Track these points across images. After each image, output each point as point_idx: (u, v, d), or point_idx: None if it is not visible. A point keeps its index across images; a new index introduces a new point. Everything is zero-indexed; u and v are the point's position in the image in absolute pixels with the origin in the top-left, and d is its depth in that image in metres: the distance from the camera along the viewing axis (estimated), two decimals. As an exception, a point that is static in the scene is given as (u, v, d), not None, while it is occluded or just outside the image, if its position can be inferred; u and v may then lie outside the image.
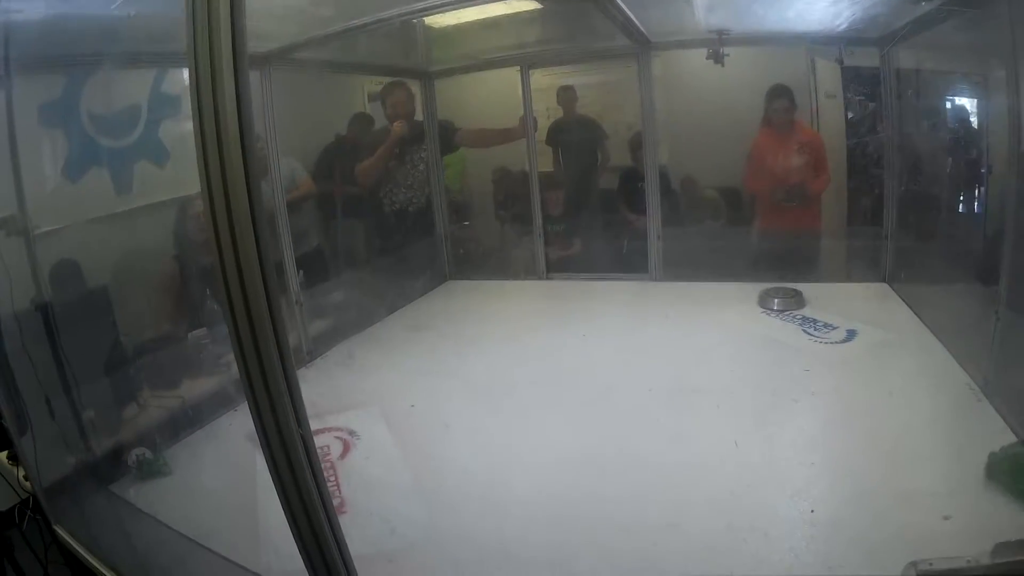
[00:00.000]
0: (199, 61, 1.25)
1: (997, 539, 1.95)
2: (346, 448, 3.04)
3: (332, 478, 2.78)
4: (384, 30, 4.45)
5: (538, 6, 4.16)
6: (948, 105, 4.21)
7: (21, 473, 3.17)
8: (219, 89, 1.23)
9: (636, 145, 5.58)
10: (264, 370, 1.38)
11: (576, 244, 5.84)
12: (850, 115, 5.29)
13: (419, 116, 5.67)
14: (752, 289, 4.70)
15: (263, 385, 1.39)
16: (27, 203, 3.18)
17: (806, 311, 4.22)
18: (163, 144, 3.92)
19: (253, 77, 4.16)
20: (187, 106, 3.38)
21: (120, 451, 3.10)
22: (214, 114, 1.24)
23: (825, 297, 4.43)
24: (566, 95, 5.96)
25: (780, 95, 4.91)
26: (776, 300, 4.22)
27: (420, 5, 4.02)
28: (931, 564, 1.86)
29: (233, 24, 1.22)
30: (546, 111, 6.01)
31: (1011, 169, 3.05)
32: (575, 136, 6.07)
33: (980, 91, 3.74)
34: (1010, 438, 2.65)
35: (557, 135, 6.13)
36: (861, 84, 5.10)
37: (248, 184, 1.25)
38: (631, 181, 5.65)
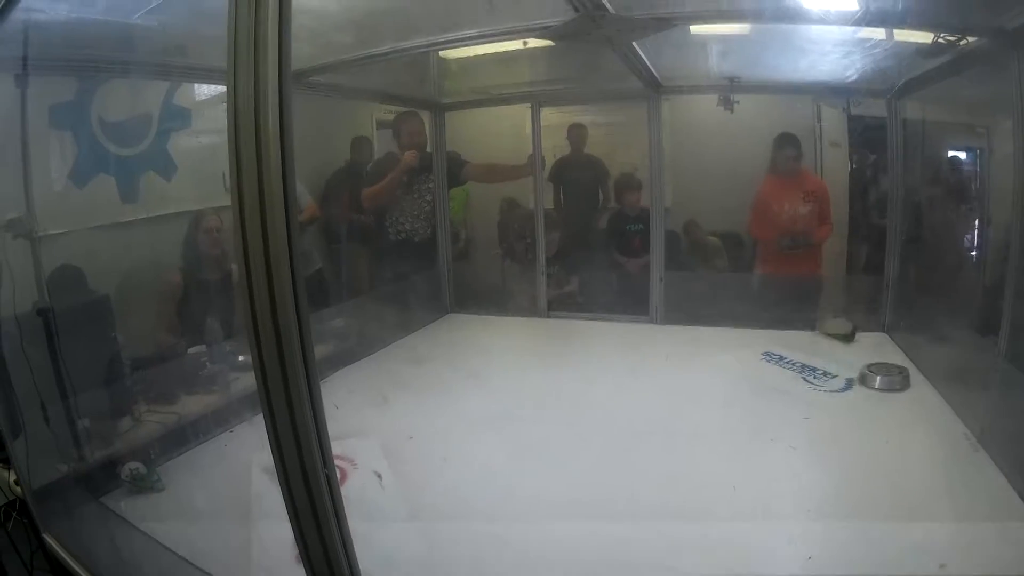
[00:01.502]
0: (239, 79, 1.24)
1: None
2: (343, 476, 3.01)
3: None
4: (398, 60, 4.47)
5: (551, 44, 4.18)
6: (952, 156, 4.26)
7: (12, 477, 3.15)
8: (262, 109, 1.23)
9: (623, 187, 5.66)
10: (291, 404, 1.35)
11: (577, 283, 5.83)
12: (853, 165, 5.35)
13: (428, 147, 5.67)
14: (752, 335, 4.76)
15: (288, 420, 1.37)
16: (34, 205, 3.18)
17: (805, 359, 4.22)
18: (171, 157, 3.93)
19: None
20: (199, 121, 3.41)
21: (113, 463, 3.07)
22: (255, 134, 1.23)
23: (825, 345, 4.44)
24: (577, 133, 6.01)
25: (788, 143, 4.95)
26: (879, 379, 3.84)
27: (437, 38, 4.05)
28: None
29: (280, 42, 1.23)
30: (552, 149, 6.03)
31: (1013, 221, 3.09)
32: (579, 174, 6.10)
33: (984, 144, 3.79)
34: (1006, 487, 2.67)
35: (561, 172, 6.16)
36: (867, 134, 5.14)
37: (287, 208, 1.25)
38: (620, 223, 5.69)
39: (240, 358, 3.64)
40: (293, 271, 1.27)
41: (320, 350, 4.15)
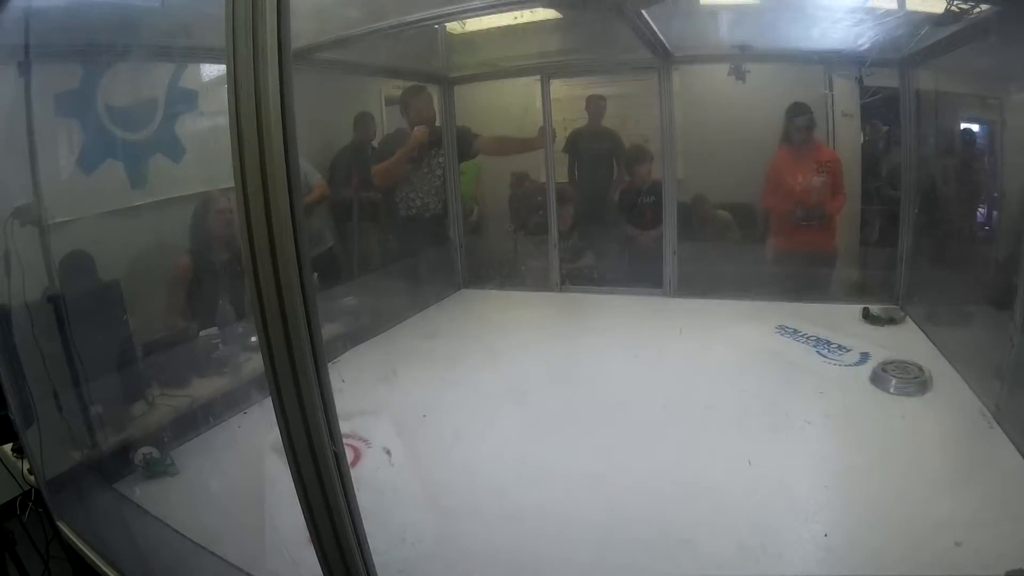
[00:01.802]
0: (239, 58, 1.22)
1: (1009, 566, 1.96)
2: (357, 455, 3.02)
3: (343, 485, 2.74)
4: (405, 34, 4.44)
5: (559, 16, 4.15)
6: (965, 127, 4.21)
7: (26, 466, 3.16)
8: (262, 88, 1.21)
9: (634, 159, 5.63)
10: (298, 383, 1.35)
11: (590, 256, 5.80)
12: (866, 136, 5.30)
13: (438, 122, 5.64)
14: (766, 308, 4.74)
15: (296, 398, 1.36)
16: (42, 193, 3.18)
17: (819, 332, 4.18)
18: (179, 140, 3.92)
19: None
20: (206, 102, 3.40)
21: (127, 449, 3.07)
22: (256, 113, 1.22)
23: (839, 319, 4.40)
24: (595, 104, 5.97)
25: (800, 113, 4.91)
26: (894, 381, 3.51)
27: (444, 10, 4.02)
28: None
29: (279, 20, 1.20)
30: (563, 121, 5.99)
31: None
32: (595, 146, 6.05)
33: (997, 114, 3.74)
34: (1021, 464, 2.66)
35: (577, 144, 6.13)
36: (880, 104, 5.09)
37: (290, 188, 1.23)
38: (632, 196, 5.67)
39: (252, 339, 3.63)
40: (298, 250, 1.26)
41: (332, 328, 4.18)
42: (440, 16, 4.18)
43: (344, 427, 3.03)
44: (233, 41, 1.24)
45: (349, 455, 2.89)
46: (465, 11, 4.06)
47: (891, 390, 3.46)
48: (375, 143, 5.73)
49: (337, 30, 4.25)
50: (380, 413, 3.39)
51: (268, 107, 1.21)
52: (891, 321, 4.39)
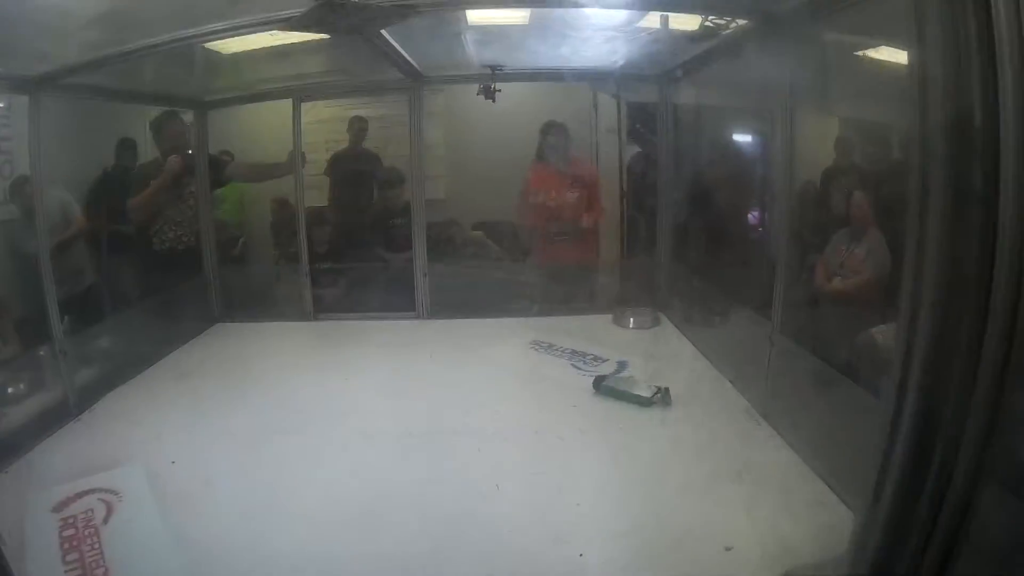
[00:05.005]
0: None
1: (783, 568, 1.99)
2: (109, 510, 2.78)
3: (96, 544, 2.52)
4: (156, 57, 4.21)
5: (311, 38, 4.04)
6: (723, 137, 4.38)
7: None
8: None
9: (386, 182, 5.68)
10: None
11: (344, 283, 5.70)
12: (629, 150, 5.44)
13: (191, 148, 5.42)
14: (522, 324, 4.79)
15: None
16: None
17: (574, 345, 4.22)
18: None
19: (19, 102, 4.06)
20: None
21: None
22: None
23: (597, 329, 4.46)
24: (358, 125, 5.94)
25: (552, 130, 5.07)
26: (632, 319, 4.46)
27: (180, 34, 3.83)
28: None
29: None
30: (326, 143, 5.94)
31: (783, 200, 3.17)
32: (355, 168, 5.99)
33: (754, 125, 3.89)
34: (791, 457, 2.75)
35: (337, 166, 6.04)
36: (640, 119, 5.25)
37: None
38: (383, 219, 5.68)
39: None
40: None
41: (87, 373, 3.91)
42: (176, 39, 3.95)
43: (95, 481, 2.85)
44: None
45: (102, 511, 2.75)
46: (201, 34, 3.88)
47: (631, 325, 4.37)
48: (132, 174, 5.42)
49: (80, 55, 3.99)
50: (130, 463, 3.16)
51: None
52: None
